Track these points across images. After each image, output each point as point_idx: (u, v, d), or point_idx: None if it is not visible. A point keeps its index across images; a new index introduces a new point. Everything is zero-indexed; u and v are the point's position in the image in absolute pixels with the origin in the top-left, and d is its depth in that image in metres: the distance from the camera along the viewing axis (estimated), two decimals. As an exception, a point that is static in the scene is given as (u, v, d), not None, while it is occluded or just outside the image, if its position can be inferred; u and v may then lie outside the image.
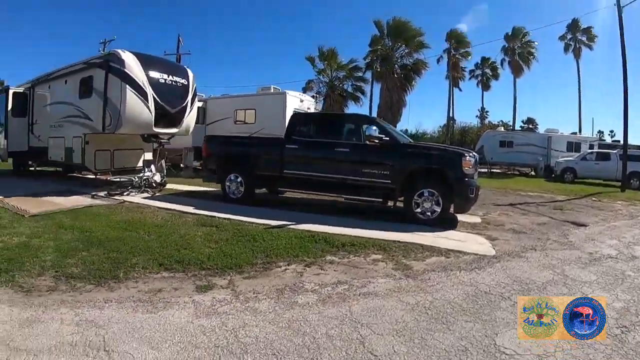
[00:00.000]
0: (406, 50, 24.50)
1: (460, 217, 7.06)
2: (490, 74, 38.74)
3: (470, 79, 39.43)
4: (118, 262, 4.27)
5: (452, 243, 5.28)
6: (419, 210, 6.47)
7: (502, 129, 29.02)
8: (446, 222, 6.49)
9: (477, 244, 5.35)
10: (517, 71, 34.77)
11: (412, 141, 8.57)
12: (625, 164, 15.13)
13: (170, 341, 2.73)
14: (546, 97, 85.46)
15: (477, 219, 7.19)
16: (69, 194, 8.67)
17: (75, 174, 12.46)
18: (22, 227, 5.70)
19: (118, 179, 9.22)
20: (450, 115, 36.35)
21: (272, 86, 15.09)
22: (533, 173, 22.85)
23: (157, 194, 8.90)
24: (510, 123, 38.06)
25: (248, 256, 4.55)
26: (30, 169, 12.99)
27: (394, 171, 6.69)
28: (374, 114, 25.58)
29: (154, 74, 8.83)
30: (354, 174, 6.99)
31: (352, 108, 26.48)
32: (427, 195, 6.41)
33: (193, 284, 3.78)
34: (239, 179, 7.98)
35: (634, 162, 16.29)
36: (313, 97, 20.70)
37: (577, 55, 35.16)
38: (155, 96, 8.72)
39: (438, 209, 6.38)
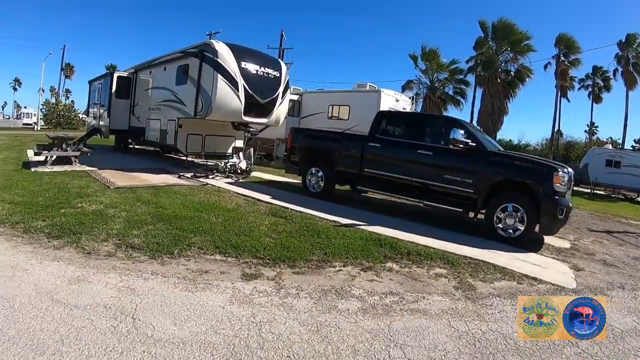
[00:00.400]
0: (511, 55, 22.95)
1: (547, 239, 6.35)
2: (602, 84, 35.16)
3: (579, 89, 36.40)
4: (178, 239, 4.44)
5: (529, 268, 4.73)
6: (500, 225, 5.97)
7: (610, 146, 25.50)
8: (529, 243, 5.85)
9: (558, 273, 4.74)
10: (630, 83, 30.96)
11: (501, 149, 7.83)
12: None
13: (194, 322, 2.69)
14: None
15: (566, 244, 6.38)
16: (159, 172, 9.54)
17: (171, 155, 13.63)
18: (103, 197, 6.32)
19: (205, 163, 9.77)
20: (557, 127, 33.14)
21: (368, 83, 15.05)
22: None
23: (240, 180, 9.30)
24: (620, 141, 33.57)
25: (305, 251, 4.42)
26: (130, 146, 14.67)
27: (477, 180, 6.26)
28: (475, 120, 24.35)
29: (246, 65, 9.25)
30: (434, 178, 6.68)
31: (452, 112, 25.81)
32: (511, 210, 5.88)
33: (241, 271, 3.75)
34: (320, 174, 7.98)
35: None
36: (411, 97, 20.09)
37: None
38: (246, 86, 9.14)
39: (521, 227, 5.82)
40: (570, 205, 5.94)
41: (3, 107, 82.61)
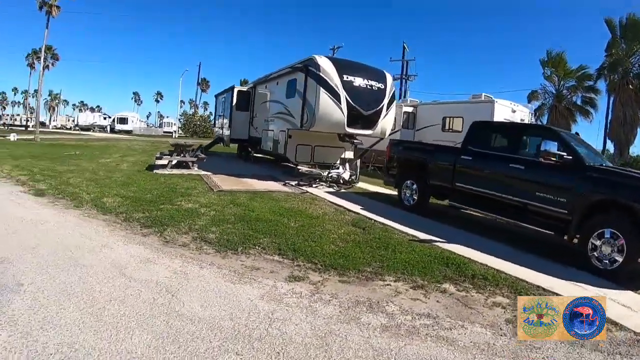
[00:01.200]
0: None
1: None
2: None
3: None
4: (248, 238, 5.06)
5: (615, 309, 3.95)
6: (595, 254, 5.23)
7: None
8: (629, 278, 4.92)
9: None
10: None
11: (609, 165, 6.88)
12: None
13: (219, 307, 3.15)
14: None
15: None
16: (267, 179, 10.64)
17: (286, 164, 14.73)
18: (203, 197, 7.42)
19: (309, 172, 10.49)
20: None
21: (483, 94, 14.50)
22: None
23: (342, 191, 9.79)
24: None
25: (363, 262, 4.55)
26: (249, 155, 16.59)
27: (571, 198, 5.68)
28: (604, 132, 22.14)
29: (348, 78, 9.77)
30: (524, 195, 6.28)
31: (581, 123, 23.46)
32: (609, 237, 5.11)
33: (289, 272, 4.11)
34: (414, 186, 8.01)
35: None
36: (531, 108, 18.57)
37: None
38: (349, 98, 9.64)
39: (620, 259, 4.99)
40: None
41: (148, 117, 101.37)
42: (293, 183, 10.02)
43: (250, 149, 16.31)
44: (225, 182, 9.32)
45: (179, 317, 2.88)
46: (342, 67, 9.92)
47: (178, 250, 4.45)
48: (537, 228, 6.07)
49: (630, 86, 20.02)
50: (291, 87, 11.02)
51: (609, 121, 21.48)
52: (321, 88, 9.48)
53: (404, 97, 28.06)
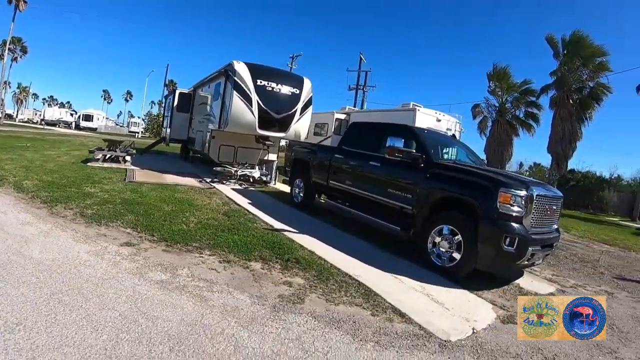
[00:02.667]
0: (585, 73, 21.60)
1: (527, 279, 6.12)
2: None
3: None
4: (116, 215, 6.50)
5: (420, 303, 4.49)
6: (435, 251, 5.76)
7: None
8: (467, 278, 5.46)
9: (459, 320, 4.21)
10: None
11: (477, 164, 7.55)
12: None
13: (50, 253, 4.65)
14: None
15: (548, 289, 5.94)
16: (189, 176, 12.30)
17: (224, 165, 16.35)
18: (110, 186, 9.00)
19: (224, 170, 12.17)
20: None
21: (412, 103, 16.17)
22: None
23: (250, 188, 11.44)
24: None
25: (196, 239, 5.72)
26: (189, 155, 18.54)
27: (417, 194, 6.27)
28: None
29: (262, 83, 11.44)
30: (379, 192, 7.02)
31: (524, 137, 25.44)
32: (447, 233, 5.61)
33: (128, 240, 5.39)
34: (302, 184, 9.43)
35: None
36: (480, 121, 20.04)
37: None
38: (260, 102, 11.31)
39: (458, 256, 5.46)
40: (529, 236, 5.28)
41: (118, 116, 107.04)
42: (208, 180, 11.62)
43: (189, 149, 18.10)
44: (143, 176, 10.93)
45: (19, 255, 4.41)
46: (258, 72, 11.54)
47: (56, 219, 6.02)
48: (388, 224, 6.70)
49: (570, 101, 21.82)
50: (217, 90, 12.69)
51: (548, 136, 23.21)
52: (235, 92, 11.10)
53: (361, 106, 30.55)
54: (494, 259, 5.27)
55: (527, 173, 40.43)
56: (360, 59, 34.48)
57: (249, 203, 9.11)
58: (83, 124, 57.65)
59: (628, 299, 6.11)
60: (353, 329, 3.66)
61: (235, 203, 8.96)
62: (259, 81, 11.42)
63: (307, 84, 12.46)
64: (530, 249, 5.28)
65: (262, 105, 11.38)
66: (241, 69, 11.37)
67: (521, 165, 47.75)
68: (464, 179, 5.90)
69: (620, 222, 23.62)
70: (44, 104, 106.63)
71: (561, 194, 6.44)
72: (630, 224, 23.36)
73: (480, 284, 5.41)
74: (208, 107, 13.62)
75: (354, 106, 29.13)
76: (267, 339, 3.26)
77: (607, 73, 21.75)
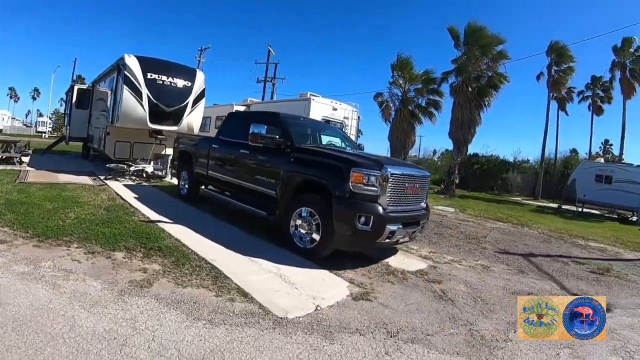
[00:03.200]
0: (484, 61, 23.52)
1: (400, 258, 6.57)
2: (602, 95, 36.05)
3: (580, 101, 37.34)
4: None
5: (272, 285, 4.73)
6: (297, 233, 6.04)
7: (602, 160, 25.60)
8: (328, 259, 5.76)
9: (307, 298, 4.43)
10: (627, 92, 30.92)
11: (348, 149, 7.87)
12: None
13: None
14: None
15: (420, 265, 6.33)
16: (84, 175, 12.33)
17: (127, 162, 16.16)
18: None
19: (116, 167, 12.34)
20: (556, 142, 33.93)
21: (309, 92, 16.79)
22: (634, 218, 19.22)
23: (143, 184, 11.73)
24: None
25: (68, 234, 5.93)
26: (90, 153, 18.00)
27: (280, 179, 6.54)
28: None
29: (153, 76, 11.70)
30: (249, 178, 7.33)
31: (426, 124, 27.04)
32: (306, 215, 5.90)
33: (2, 238, 5.48)
34: (187, 176, 9.63)
35: None
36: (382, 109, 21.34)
37: None
38: (150, 95, 11.58)
39: (317, 237, 5.72)
40: (386, 214, 5.51)
41: (27, 115, 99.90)
42: (102, 177, 11.76)
43: (90, 148, 17.70)
44: (36, 176, 11.00)
45: None
46: (149, 65, 11.75)
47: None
48: (256, 210, 6.97)
49: (469, 89, 23.48)
50: (111, 85, 12.75)
51: (449, 122, 24.77)
52: (125, 86, 11.27)
53: (271, 98, 31.53)
54: (352, 238, 5.49)
55: (439, 159, 43.32)
56: (269, 51, 35.13)
57: (135, 197, 9.40)
58: (-15, 124, 53.50)
59: (504, 272, 6.72)
60: (191, 309, 3.87)
61: (122, 198, 9.24)
62: (149, 74, 11.64)
63: (199, 76, 12.80)
64: (388, 227, 5.50)
65: (153, 99, 11.64)
66: (132, 62, 11.53)
67: (434, 152, 52.11)
68: (321, 162, 6.12)
69: (523, 201, 26.21)
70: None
71: (427, 173, 6.88)
72: (533, 202, 26.13)
73: (346, 264, 5.72)
74: (104, 103, 13.62)
75: (262, 98, 29.80)
76: (103, 319, 3.51)
77: (506, 61, 23.58)
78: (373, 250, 6.40)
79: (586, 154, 38.80)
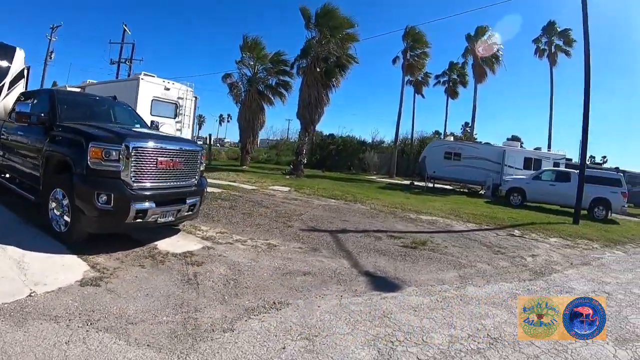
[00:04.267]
0: (333, 43, 24.56)
1: (173, 240, 6.22)
2: (458, 79, 41.42)
3: (435, 84, 42.49)
4: None
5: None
6: (53, 216, 5.60)
7: (452, 138, 28.52)
8: (85, 241, 5.38)
9: (28, 284, 4.16)
10: (479, 77, 35.97)
11: (88, 123, 6.77)
12: (581, 187, 13.56)
13: None
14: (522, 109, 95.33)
15: (194, 246, 6.02)
16: None
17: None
18: None
19: None
20: (400, 123, 36.42)
21: (143, 72, 16.17)
22: (483, 192, 22.01)
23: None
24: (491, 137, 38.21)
25: None
26: None
27: (40, 159, 6.08)
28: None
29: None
30: (21, 160, 6.95)
31: (277, 105, 27.90)
32: (60, 197, 5.43)
33: None
34: None
35: (600, 187, 15.40)
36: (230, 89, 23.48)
37: (552, 61, 36.72)
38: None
39: (69, 219, 5.31)
40: (143, 192, 5.32)
41: None
42: None
43: None
44: None
45: None
46: None
47: None
48: (24, 193, 6.48)
49: (318, 69, 24.17)
50: None
51: (297, 102, 25.49)
52: None
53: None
54: (97, 219, 5.14)
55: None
56: (124, 30, 33.62)
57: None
58: None
59: (292, 250, 6.43)
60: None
61: None
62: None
63: (19, 54, 10.82)
64: (134, 206, 5.19)
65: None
66: None
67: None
68: (70, 138, 5.66)
69: (377, 179, 27.67)
70: None
71: (197, 148, 6.58)
72: (387, 180, 27.86)
73: (106, 248, 5.29)
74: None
75: (117, 78, 27.54)
76: None
77: (355, 42, 24.74)
78: (139, 233, 6.04)
79: (443, 134, 42.42)
